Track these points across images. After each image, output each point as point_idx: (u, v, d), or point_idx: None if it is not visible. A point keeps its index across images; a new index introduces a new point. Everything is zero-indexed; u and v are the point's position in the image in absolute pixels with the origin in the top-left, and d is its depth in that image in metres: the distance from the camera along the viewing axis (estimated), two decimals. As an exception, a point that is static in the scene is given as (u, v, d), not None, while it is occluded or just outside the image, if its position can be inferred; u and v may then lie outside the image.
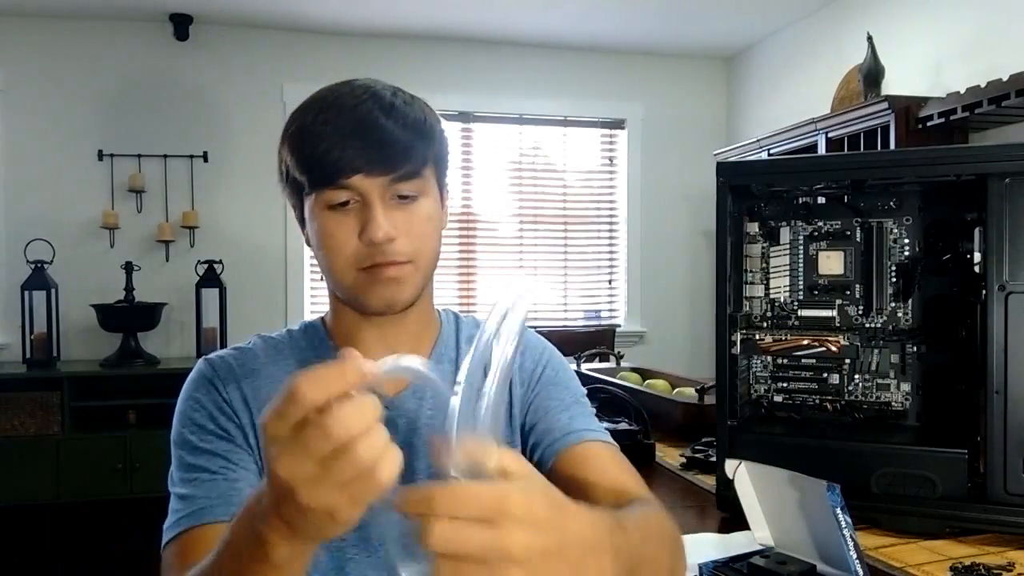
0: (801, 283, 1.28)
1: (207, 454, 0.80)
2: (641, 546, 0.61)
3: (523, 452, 0.91)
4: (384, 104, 0.79)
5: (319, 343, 0.90)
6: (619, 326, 4.64)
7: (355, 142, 0.77)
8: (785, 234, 1.28)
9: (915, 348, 1.22)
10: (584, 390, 0.98)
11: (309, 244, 0.86)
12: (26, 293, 3.80)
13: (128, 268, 3.96)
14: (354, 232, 0.79)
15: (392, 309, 0.83)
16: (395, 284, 0.81)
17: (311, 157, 0.78)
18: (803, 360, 1.27)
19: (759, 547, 1.01)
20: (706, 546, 1.07)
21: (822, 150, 3.32)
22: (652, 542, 0.67)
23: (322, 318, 0.93)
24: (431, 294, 0.91)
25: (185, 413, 0.84)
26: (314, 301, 4.40)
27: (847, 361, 1.25)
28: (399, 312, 0.84)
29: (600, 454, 0.88)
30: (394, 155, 0.78)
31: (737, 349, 1.24)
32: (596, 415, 1.65)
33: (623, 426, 1.61)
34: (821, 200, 1.28)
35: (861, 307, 1.25)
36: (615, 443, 0.92)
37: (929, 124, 2.85)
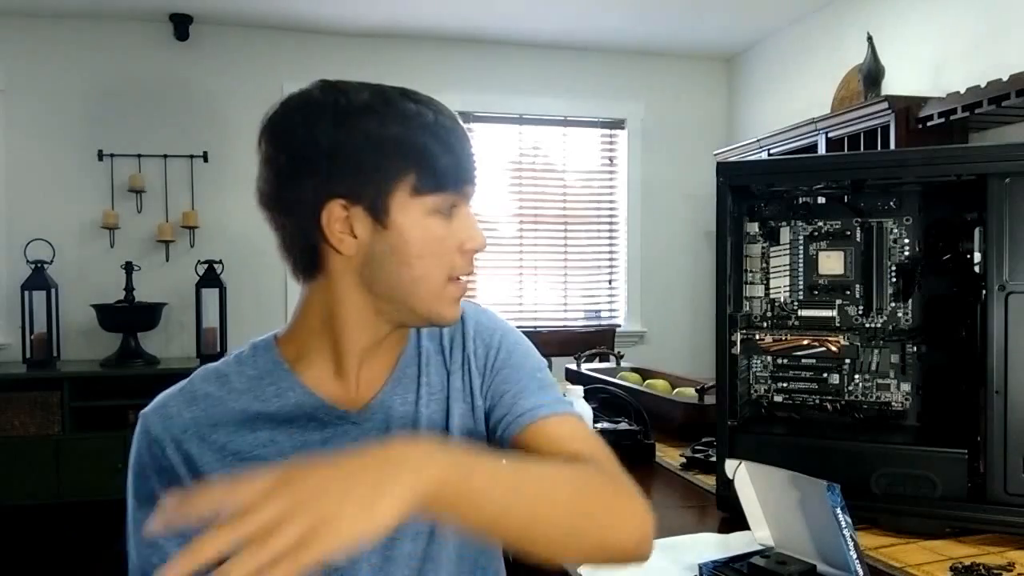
0: (801, 283, 1.28)
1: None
2: (500, 489, 0.66)
3: (488, 439, 0.88)
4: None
5: (273, 366, 0.84)
6: (619, 326, 4.64)
7: (464, 155, 0.79)
8: (785, 234, 1.28)
9: (915, 348, 1.22)
10: (542, 363, 0.93)
11: (349, 250, 0.77)
12: (26, 293, 3.80)
13: (128, 268, 3.96)
14: (453, 240, 0.80)
15: (452, 324, 0.84)
16: (463, 300, 0.83)
17: (440, 158, 0.76)
18: (803, 360, 1.27)
19: (759, 547, 1.01)
20: (706, 546, 1.07)
21: (822, 150, 3.32)
22: (534, 492, 0.69)
23: (275, 335, 0.87)
24: None
25: (131, 484, 0.83)
26: (314, 301, 4.39)
27: (847, 361, 1.25)
28: None
29: (552, 430, 0.84)
30: (475, 170, 0.82)
31: (737, 349, 1.24)
32: (596, 412, 1.65)
33: (623, 426, 1.61)
34: (821, 200, 1.28)
35: (861, 307, 1.25)
36: (571, 410, 0.88)
37: (929, 124, 2.85)
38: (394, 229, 0.76)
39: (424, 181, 0.76)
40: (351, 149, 0.75)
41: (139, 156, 4.12)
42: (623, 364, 2.38)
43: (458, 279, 0.80)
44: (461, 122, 0.81)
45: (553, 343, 2.95)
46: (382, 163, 0.75)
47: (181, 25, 4.07)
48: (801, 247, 1.28)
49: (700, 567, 0.97)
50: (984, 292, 1.07)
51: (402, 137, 0.75)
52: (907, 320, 1.22)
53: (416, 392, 0.86)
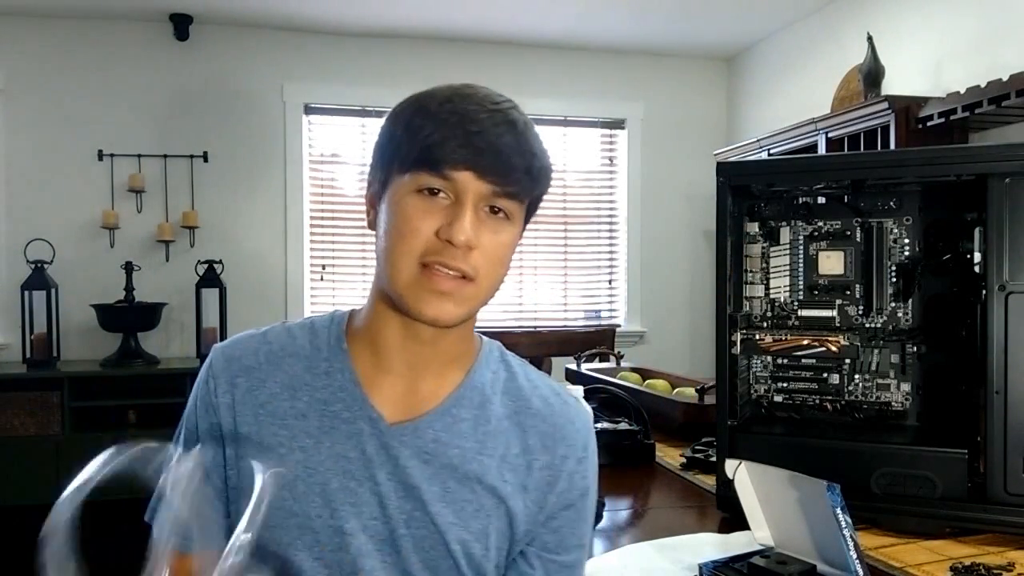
0: (801, 283, 1.28)
1: None
2: None
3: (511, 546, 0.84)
4: (516, 125, 0.80)
5: (335, 341, 0.85)
6: (619, 326, 4.64)
7: (476, 140, 0.76)
8: (785, 234, 1.28)
9: (915, 348, 1.22)
10: (589, 536, 0.90)
11: (372, 227, 0.82)
12: (26, 293, 3.80)
13: (128, 268, 3.96)
14: (434, 225, 0.76)
15: (435, 324, 0.78)
16: (448, 300, 0.76)
17: (428, 136, 0.76)
18: (803, 360, 1.27)
19: (759, 547, 1.01)
20: (706, 546, 1.07)
21: (822, 150, 3.32)
22: None
23: (352, 311, 0.88)
24: (474, 321, 0.86)
25: (188, 407, 0.86)
26: (314, 301, 4.39)
27: (847, 361, 1.25)
28: (440, 329, 0.80)
29: None
30: (509, 169, 0.77)
31: (737, 349, 1.24)
32: (596, 412, 1.65)
33: (623, 426, 1.61)
34: (821, 200, 1.28)
35: (861, 307, 1.25)
36: None
37: (929, 124, 2.85)
38: (385, 202, 0.80)
39: (407, 156, 0.77)
40: (382, 134, 0.82)
41: (139, 156, 4.11)
42: (623, 364, 2.38)
43: (435, 270, 0.75)
44: (509, 118, 0.79)
45: (553, 343, 2.94)
46: (389, 143, 0.80)
47: (181, 25, 4.07)
48: (801, 247, 1.28)
49: (700, 567, 0.97)
50: (984, 292, 1.07)
51: (409, 117, 0.78)
52: (907, 320, 1.22)
53: (462, 436, 0.83)
